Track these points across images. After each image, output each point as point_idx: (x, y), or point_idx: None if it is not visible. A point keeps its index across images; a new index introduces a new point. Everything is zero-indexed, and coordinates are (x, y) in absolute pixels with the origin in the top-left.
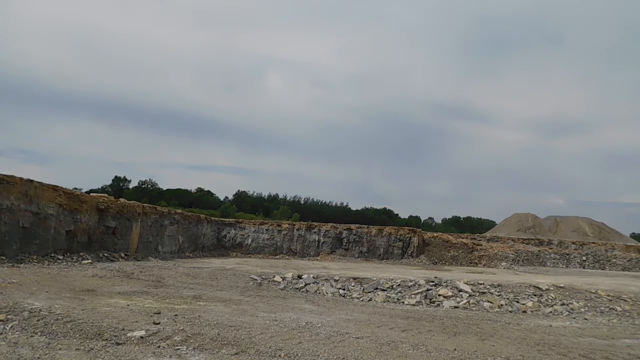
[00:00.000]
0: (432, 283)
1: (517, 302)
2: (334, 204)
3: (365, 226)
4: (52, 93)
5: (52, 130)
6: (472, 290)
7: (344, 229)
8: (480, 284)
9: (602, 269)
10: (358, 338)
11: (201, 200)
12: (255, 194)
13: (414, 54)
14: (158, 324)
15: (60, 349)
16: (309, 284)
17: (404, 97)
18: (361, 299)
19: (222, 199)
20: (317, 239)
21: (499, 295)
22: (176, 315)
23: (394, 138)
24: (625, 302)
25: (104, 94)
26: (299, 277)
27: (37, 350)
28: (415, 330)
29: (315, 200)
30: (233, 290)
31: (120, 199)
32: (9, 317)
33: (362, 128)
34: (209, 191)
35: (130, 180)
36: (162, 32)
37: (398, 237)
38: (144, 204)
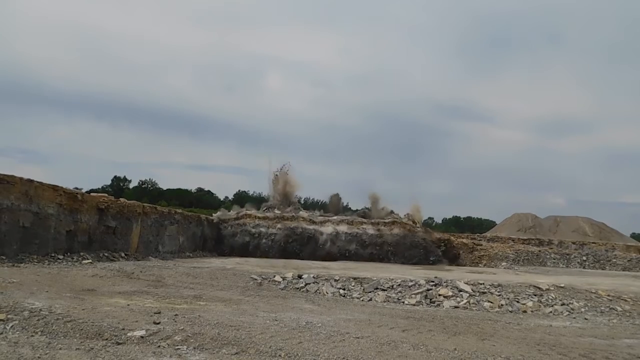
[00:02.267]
0: (432, 283)
1: (518, 302)
2: None
3: None
4: (52, 93)
5: (52, 130)
6: (472, 290)
7: None
8: (481, 284)
9: (602, 269)
10: (358, 338)
11: (201, 200)
12: (255, 194)
13: (414, 53)
14: (158, 323)
15: (60, 349)
16: (309, 283)
17: (404, 97)
18: (361, 298)
19: (222, 199)
20: None
21: (499, 295)
22: (176, 315)
23: (394, 138)
24: (626, 302)
25: (104, 93)
26: (299, 276)
27: (38, 350)
28: (415, 330)
29: (315, 200)
30: (233, 290)
31: (121, 199)
32: (9, 316)
33: (362, 128)
34: (209, 191)
35: (131, 180)
36: (161, 31)
37: None
38: (144, 204)
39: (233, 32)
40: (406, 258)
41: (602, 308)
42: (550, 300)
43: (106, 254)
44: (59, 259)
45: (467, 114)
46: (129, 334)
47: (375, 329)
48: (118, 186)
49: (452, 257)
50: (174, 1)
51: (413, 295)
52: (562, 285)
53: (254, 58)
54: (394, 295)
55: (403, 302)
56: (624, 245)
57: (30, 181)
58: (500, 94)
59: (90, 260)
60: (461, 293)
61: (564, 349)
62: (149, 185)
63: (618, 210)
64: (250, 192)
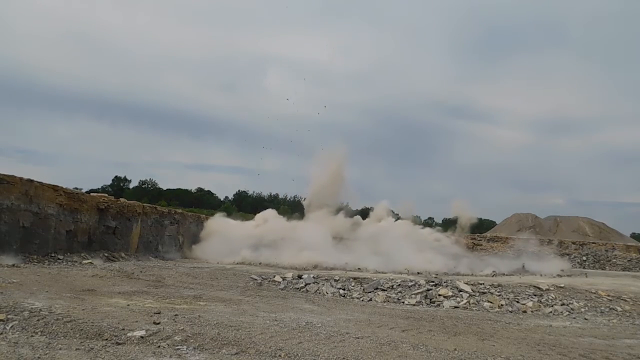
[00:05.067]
0: (432, 283)
1: (517, 302)
2: None
3: None
4: (51, 92)
5: (52, 130)
6: (472, 290)
7: None
8: (481, 284)
9: (602, 269)
10: (358, 338)
11: (201, 200)
12: (255, 194)
13: (414, 52)
14: (158, 323)
15: (60, 349)
16: (309, 283)
17: (405, 96)
18: (361, 299)
19: (222, 199)
20: None
21: (499, 295)
22: (176, 315)
23: (394, 137)
24: (626, 302)
25: (104, 92)
26: (299, 277)
27: (37, 350)
28: (415, 330)
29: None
30: (233, 290)
31: (121, 199)
32: (9, 317)
33: (362, 127)
34: (209, 191)
35: (131, 180)
36: (161, 30)
37: None
38: (144, 204)
39: (233, 31)
40: None
41: (602, 308)
42: (550, 301)
43: (106, 254)
44: (59, 259)
45: (467, 114)
46: (129, 334)
47: (375, 329)
48: (118, 186)
49: None
50: (174, 0)
51: (413, 296)
52: (562, 285)
53: (254, 57)
54: (394, 295)
55: (403, 302)
56: (623, 245)
57: (30, 181)
58: (500, 94)
59: (90, 260)
60: (461, 293)
61: (564, 349)
62: (149, 185)
63: (618, 210)
64: (250, 192)
